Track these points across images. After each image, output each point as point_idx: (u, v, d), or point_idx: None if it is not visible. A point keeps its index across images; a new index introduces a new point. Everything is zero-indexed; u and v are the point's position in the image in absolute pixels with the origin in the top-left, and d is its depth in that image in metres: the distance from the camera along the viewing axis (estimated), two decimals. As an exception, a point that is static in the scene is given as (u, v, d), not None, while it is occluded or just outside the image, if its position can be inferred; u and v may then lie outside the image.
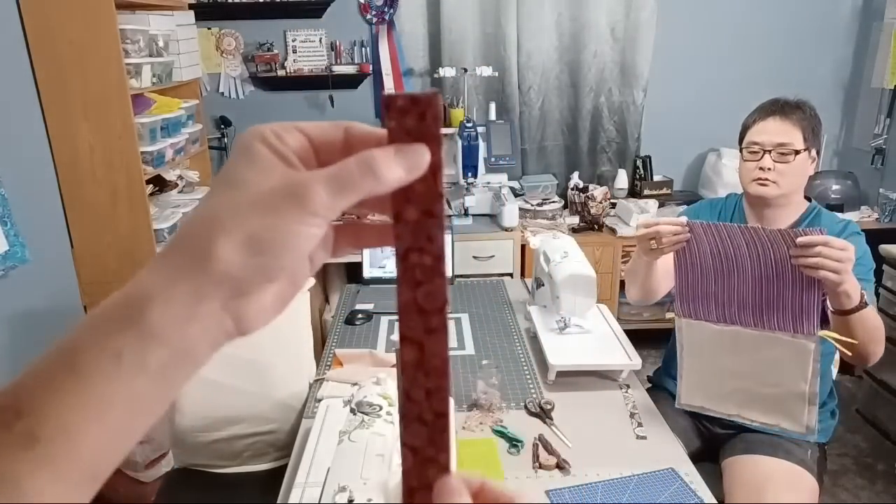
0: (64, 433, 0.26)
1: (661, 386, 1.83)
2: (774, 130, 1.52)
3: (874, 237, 2.47)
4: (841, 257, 1.19)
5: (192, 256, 0.28)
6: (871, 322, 1.34)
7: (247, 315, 0.30)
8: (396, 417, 1.23)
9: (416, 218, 0.31)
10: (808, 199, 1.61)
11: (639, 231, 1.42)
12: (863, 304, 1.29)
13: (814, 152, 1.53)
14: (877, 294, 2.63)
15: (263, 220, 0.28)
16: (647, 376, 1.92)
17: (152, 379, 0.28)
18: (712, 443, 1.64)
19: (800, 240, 1.22)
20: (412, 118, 0.31)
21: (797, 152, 1.50)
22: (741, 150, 1.62)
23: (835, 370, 1.74)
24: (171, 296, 0.28)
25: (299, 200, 0.29)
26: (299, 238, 0.29)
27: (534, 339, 1.76)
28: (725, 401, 1.40)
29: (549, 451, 1.34)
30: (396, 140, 0.31)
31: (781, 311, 1.27)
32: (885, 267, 2.62)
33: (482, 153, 2.93)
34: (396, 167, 0.30)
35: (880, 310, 2.58)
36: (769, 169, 1.52)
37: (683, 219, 1.35)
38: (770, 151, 1.52)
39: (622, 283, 3.17)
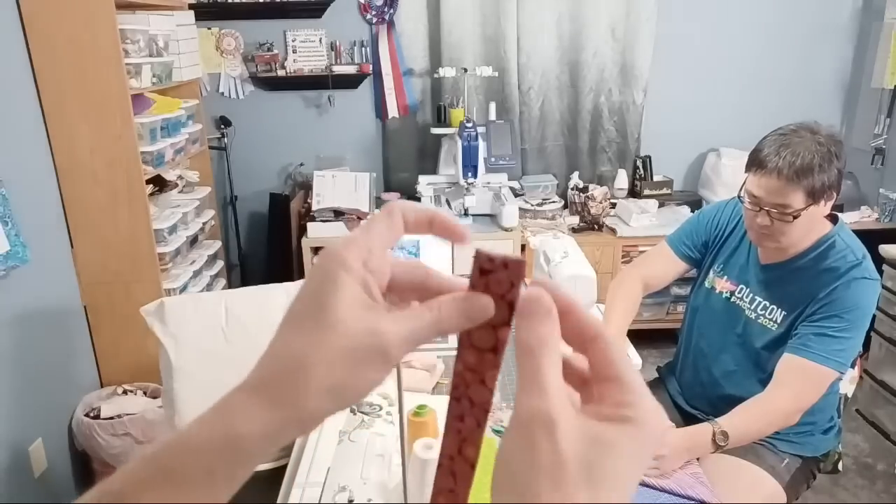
0: None
1: (663, 383, 1.83)
2: (772, 190, 1.37)
3: (874, 237, 2.48)
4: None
5: (285, 397, 0.32)
6: (754, 428, 1.39)
7: (313, 429, 0.35)
8: (396, 417, 1.23)
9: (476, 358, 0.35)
10: (835, 219, 1.49)
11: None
12: (719, 445, 1.34)
13: (822, 201, 1.37)
14: (871, 330, 2.59)
15: (350, 374, 0.32)
16: (658, 367, 1.93)
17: (234, 485, 0.34)
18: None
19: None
20: (496, 280, 0.35)
21: (796, 216, 1.36)
22: (742, 191, 1.47)
23: (852, 387, 1.73)
24: (266, 432, 0.32)
25: (382, 357, 0.33)
26: (377, 385, 0.34)
27: (534, 339, 1.75)
28: None
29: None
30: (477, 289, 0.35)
31: None
32: (884, 267, 2.62)
33: (482, 153, 2.93)
34: (460, 318, 0.34)
35: (880, 309, 2.58)
36: (768, 225, 1.41)
37: None
38: (768, 210, 1.39)
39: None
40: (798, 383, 1.39)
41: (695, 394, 1.71)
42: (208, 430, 0.33)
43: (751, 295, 1.56)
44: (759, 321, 1.53)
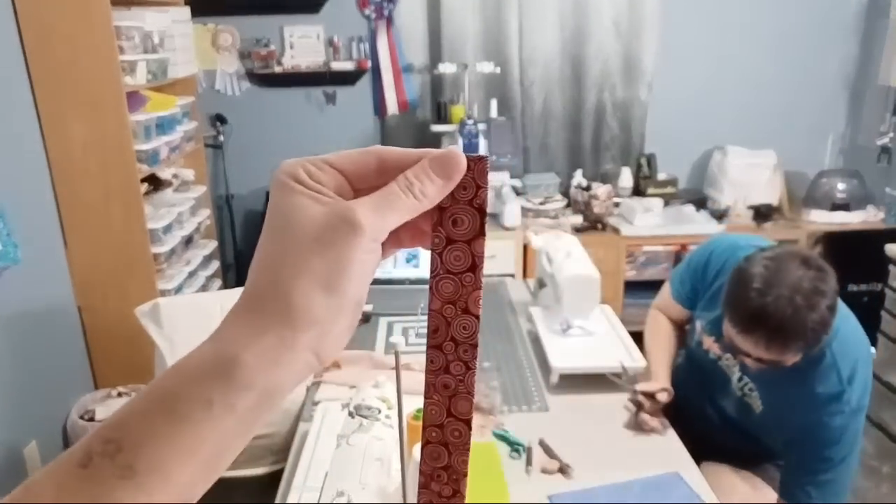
0: (159, 468, 0.30)
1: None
2: (764, 353, 1.24)
3: (880, 237, 2.45)
4: None
5: (272, 309, 0.31)
6: None
7: (326, 349, 0.32)
8: (395, 421, 1.20)
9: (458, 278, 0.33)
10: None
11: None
12: None
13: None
14: (877, 332, 2.51)
15: (326, 259, 0.31)
16: None
17: (239, 419, 0.31)
18: (703, 445, 1.61)
19: None
20: (461, 185, 0.32)
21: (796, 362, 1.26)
22: (725, 335, 1.33)
23: None
24: (258, 349, 0.31)
25: (349, 226, 0.31)
26: (361, 265, 0.32)
27: (536, 340, 1.73)
28: None
29: (551, 454, 1.31)
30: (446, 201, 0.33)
31: None
32: (890, 267, 2.59)
33: (483, 151, 2.90)
34: (436, 178, 0.32)
35: (886, 310, 2.55)
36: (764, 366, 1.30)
37: None
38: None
39: (626, 284, 3.15)
40: None
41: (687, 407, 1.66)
42: (200, 356, 0.32)
43: (738, 373, 1.46)
44: (745, 399, 1.46)
